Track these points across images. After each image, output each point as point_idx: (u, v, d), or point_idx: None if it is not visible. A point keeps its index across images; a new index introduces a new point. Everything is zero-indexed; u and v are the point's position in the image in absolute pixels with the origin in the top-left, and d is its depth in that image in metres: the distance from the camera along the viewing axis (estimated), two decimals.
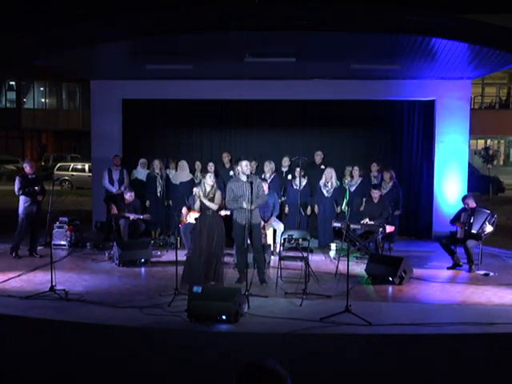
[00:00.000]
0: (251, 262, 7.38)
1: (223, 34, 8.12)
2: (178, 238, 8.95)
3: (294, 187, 9.80)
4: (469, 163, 11.67)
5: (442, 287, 7.40)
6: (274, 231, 9.35)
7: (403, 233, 10.73)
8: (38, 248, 9.06)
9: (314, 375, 5.14)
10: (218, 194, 7.38)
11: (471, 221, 8.24)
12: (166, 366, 5.33)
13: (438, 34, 7.90)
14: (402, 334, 5.49)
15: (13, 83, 36.14)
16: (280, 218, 9.78)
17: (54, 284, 6.65)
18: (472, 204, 8.39)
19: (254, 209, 7.21)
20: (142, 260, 8.51)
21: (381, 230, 8.67)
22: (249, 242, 7.31)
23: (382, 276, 7.51)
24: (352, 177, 10.07)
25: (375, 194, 9.17)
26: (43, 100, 37.50)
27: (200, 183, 7.94)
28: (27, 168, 8.92)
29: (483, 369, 5.31)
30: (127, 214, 9.32)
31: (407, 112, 11.06)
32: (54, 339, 5.66)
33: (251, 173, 7.91)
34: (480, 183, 19.01)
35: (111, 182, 10.37)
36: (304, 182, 9.86)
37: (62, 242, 9.59)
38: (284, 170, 10.47)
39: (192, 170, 10.35)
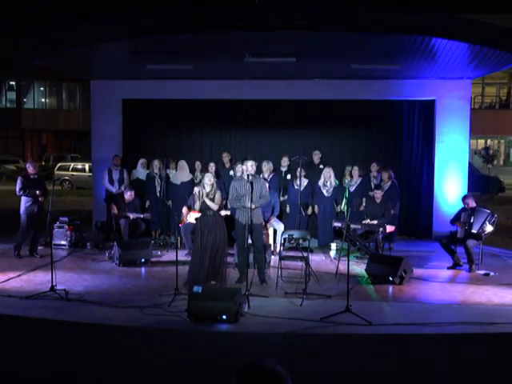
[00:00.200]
0: (251, 261, 7.38)
1: (223, 34, 8.12)
2: (179, 238, 8.96)
3: (295, 187, 9.79)
4: (469, 163, 11.66)
5: (442, 287, 7.39)
6: (275, 231, 9.36)
7: (403, 233, 10.74)
8: (39, 248, 9.06)
9: (314, 375, 5.14)
10: (218, 195, 7.37)
11: (471, 220, 8.24)
12: (166, 365, 5.33)
13: (438, 34, 7.90)
14: (402, 334, 5.49)
15: (13, 83, 36.10)
16: (280, 217, 9.79)
17: (54, 284, 6.66)
18: (472, 204, 8.39)
19: (256, 208, 7.22)
20: (143, 260, 8.51)
21: (381, 229, 8.67)
22: (250, 241, 7.31)
23: (382, 276, 7.51)
24: (352, 177, 10.08)
25: (378, 194, 9.18)
26: (43, 100, 37.45)
27: (200, 183, 7.93)
28: (30, 169, 8.92)
29: (483, 369, 5.31)
30: (127, 214, 9.32)
31: (407, 112, 11.04)
32: (54, 339, 5.66)
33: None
34: (480, 183, 18.97)
35: (111, 181, 10.37)
36: (305, 182, 9.85)
37: (63, 242, 9.59)
38: (283, 169, 10.47)
39: (192, 170, 10.34)
